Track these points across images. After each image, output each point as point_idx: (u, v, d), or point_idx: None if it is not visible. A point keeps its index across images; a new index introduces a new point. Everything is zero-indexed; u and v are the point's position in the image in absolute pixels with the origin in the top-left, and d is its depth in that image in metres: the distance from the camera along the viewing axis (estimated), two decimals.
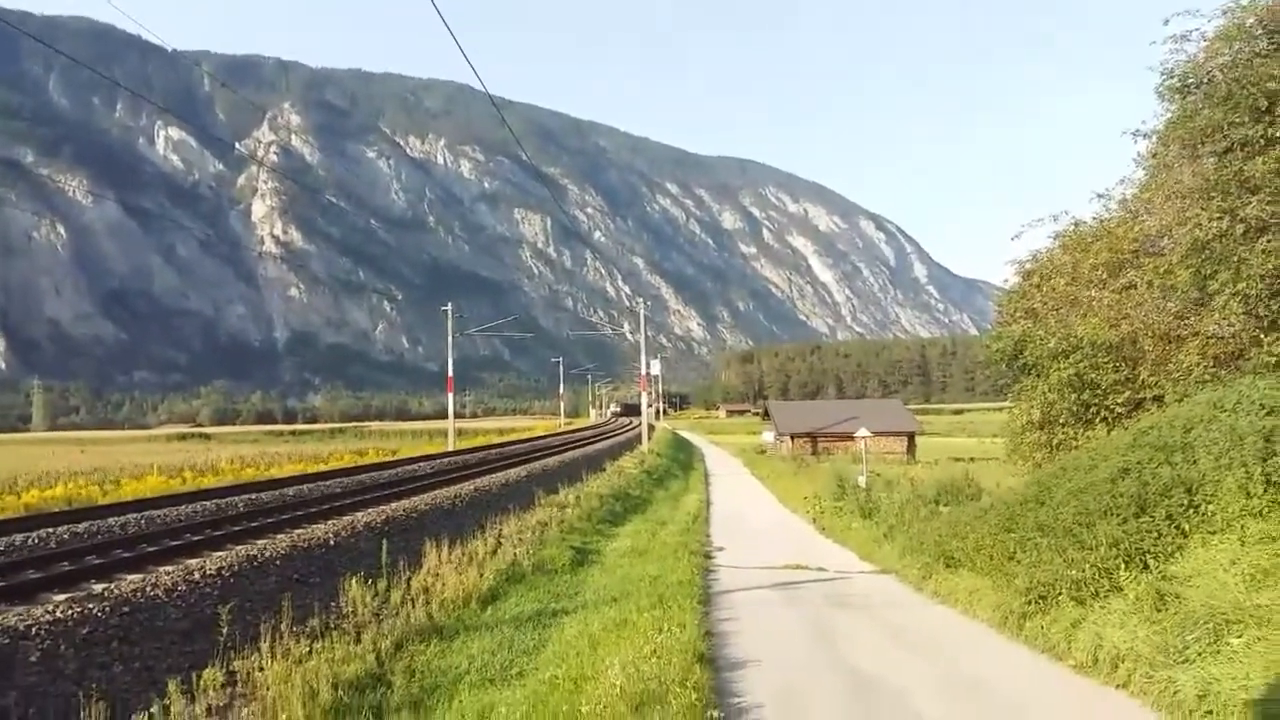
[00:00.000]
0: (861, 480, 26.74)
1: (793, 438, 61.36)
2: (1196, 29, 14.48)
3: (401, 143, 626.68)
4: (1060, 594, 10.20)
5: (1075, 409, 18.26)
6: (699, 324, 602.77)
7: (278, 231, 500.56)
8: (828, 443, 59.57)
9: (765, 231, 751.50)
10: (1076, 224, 20.64)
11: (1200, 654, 7.73)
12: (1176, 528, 9.82)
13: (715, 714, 7.40)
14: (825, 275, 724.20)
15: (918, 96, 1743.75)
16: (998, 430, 31.79)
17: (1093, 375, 17.75)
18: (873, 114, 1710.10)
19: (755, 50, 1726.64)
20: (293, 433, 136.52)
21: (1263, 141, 12.00)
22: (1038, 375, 19.46)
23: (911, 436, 61.44)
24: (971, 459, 42.46)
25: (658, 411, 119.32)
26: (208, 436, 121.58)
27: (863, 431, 30.85)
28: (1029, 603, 10.60)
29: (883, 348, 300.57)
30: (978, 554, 12.74)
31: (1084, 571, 9.95)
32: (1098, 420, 17.92)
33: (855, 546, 18.71)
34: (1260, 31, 13.25)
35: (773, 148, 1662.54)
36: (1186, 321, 15.80)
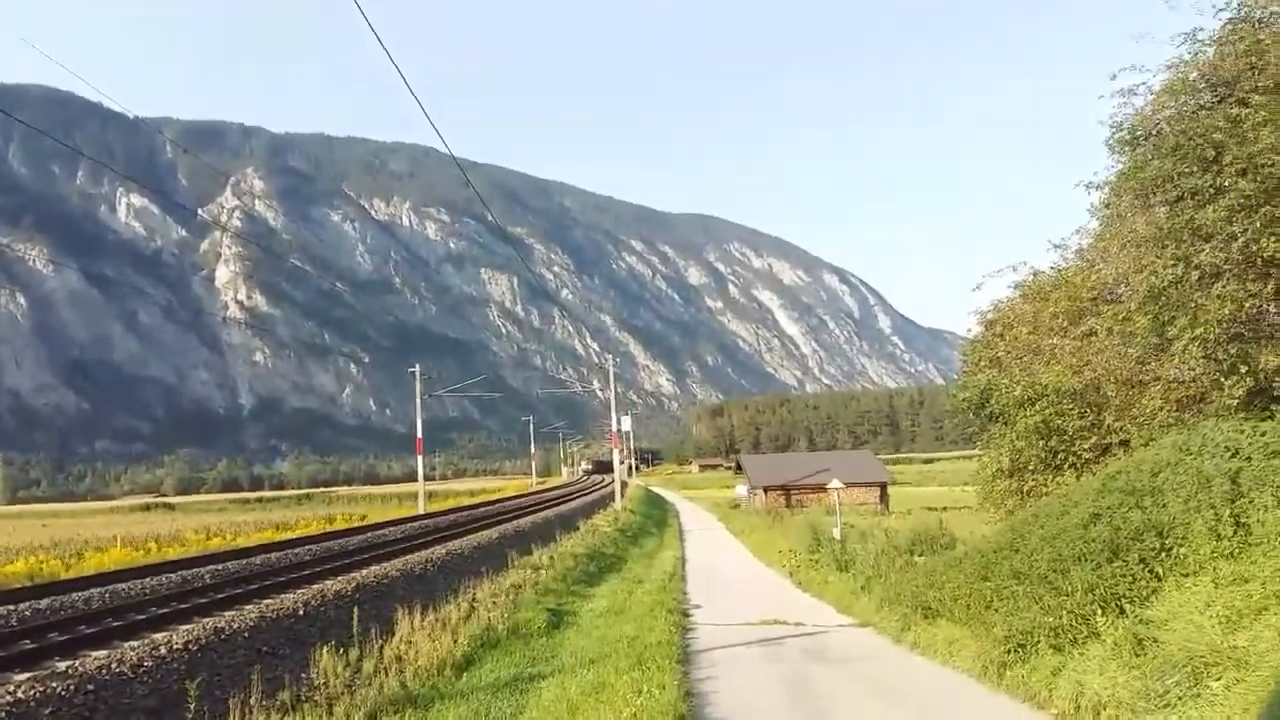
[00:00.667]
0: (836, 532, 26.70)
1: (766, 491, 61.26)
2: (1143, 83, 14.94)
3: (366, 205, 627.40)
4: (1039, 642, 10.20)
5: (1044, 455, 18.44)
6: (668, 379, 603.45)
7: (242, 297, 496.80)
8: (801, 495, 59.52)
9: (731, 286, 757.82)
10: (1035, 274, 21.06)
11: (1181, 698, 7.74)
12: (1150, 571, 9.91)
13: None
14: (791, 328, 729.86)
15: (876, 150, 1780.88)
16: (968, 479, 31.98)
17: (1059, 422, 17.97)
18: (832, 168, 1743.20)
19: (717, 109, 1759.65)
20: (259, 500, 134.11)
21: (1212, 190, 12.35)
22: (1005, 423, 19.67)
23: (884, 487, 61.57)
24: (944, 508, 42.59)
25: (630, 468, 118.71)
26: (172, 506, 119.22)
27: (835, 483, 30.92)
28: (1008, 651, 10.58)
29: (851, 399, 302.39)
30: (955, 603, 12.73)
31: (1061, 618, 9.97)
32: (1066, 466, 18.10)
33: (832, 599, 18.62)
34: (1203, 85, 13.70)
35: (735, 204, 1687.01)
36: (1148, 367, 16.07)
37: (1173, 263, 13.23)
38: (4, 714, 8.61)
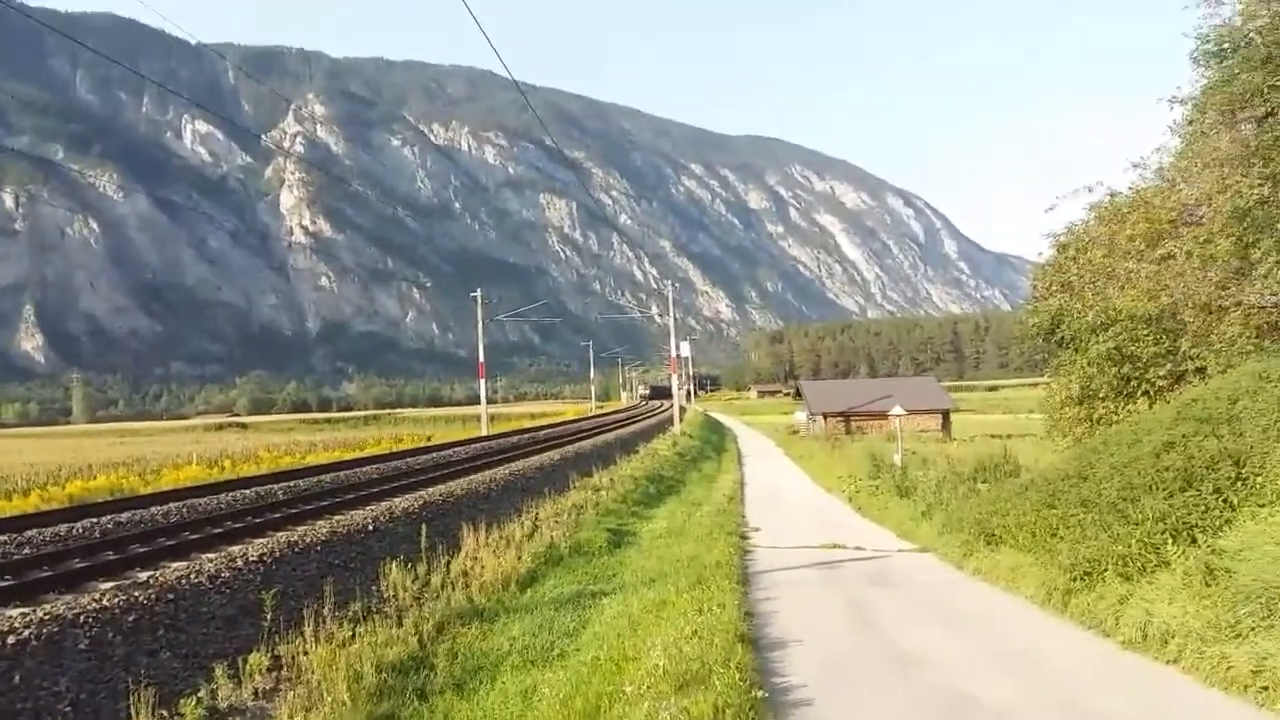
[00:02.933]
0: (897, 459, 26.56)
1: (825, 417, 61.06)
2: None
3: (425, 130, 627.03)
4: (1105, 570, 10.04)
5: (1115, 383, 17.98)
6: (727, 305, 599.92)
7: (306, 222, 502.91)
8: (861, 422, 59.18)
9: (792, 210, 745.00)
10: (1112, 195, 20.21)
11: (1253, 629, 7.60)
12: (1224, 501, 9.67)
13: (760, 694, 7.35)
14: (854, 253, 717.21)
15: (942, 68, 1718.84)
16: (1034, 406, 31.46)
17: (1132, 348, 17.46)
18: (898, 88, 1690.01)
19: (776, 30, 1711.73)
20: (328, 420, 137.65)
21: None
22: (1075, 350, 19.17)
23: (946, 414, 60.88)
24: (1009, 436, 42.04)
25: (688, 393, 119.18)
26: (245, 426, 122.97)
27: (897, 410, 30.58)
28: (1074, 579, 10.45)
29: (914, 325, 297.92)
30: (1019, 531, 12.60)
31: (1130, 547, 9.81)
32: (1139, 394, 17.64)
33: (893, 525, 18.59)
34: None
35: (797, 126, 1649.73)
36: (1228, 291, 15.49)
37: (1260, 182, 12.65)
38: (91, 619, 9.03)
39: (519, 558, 14.03)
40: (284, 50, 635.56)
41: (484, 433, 51.23)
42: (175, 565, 11.68)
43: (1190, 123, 17.21)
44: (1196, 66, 15.68)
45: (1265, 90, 12.52)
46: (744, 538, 17.44)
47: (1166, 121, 17.62)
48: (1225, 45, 14.17)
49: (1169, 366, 17.08)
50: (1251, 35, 13.37)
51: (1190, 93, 16.58)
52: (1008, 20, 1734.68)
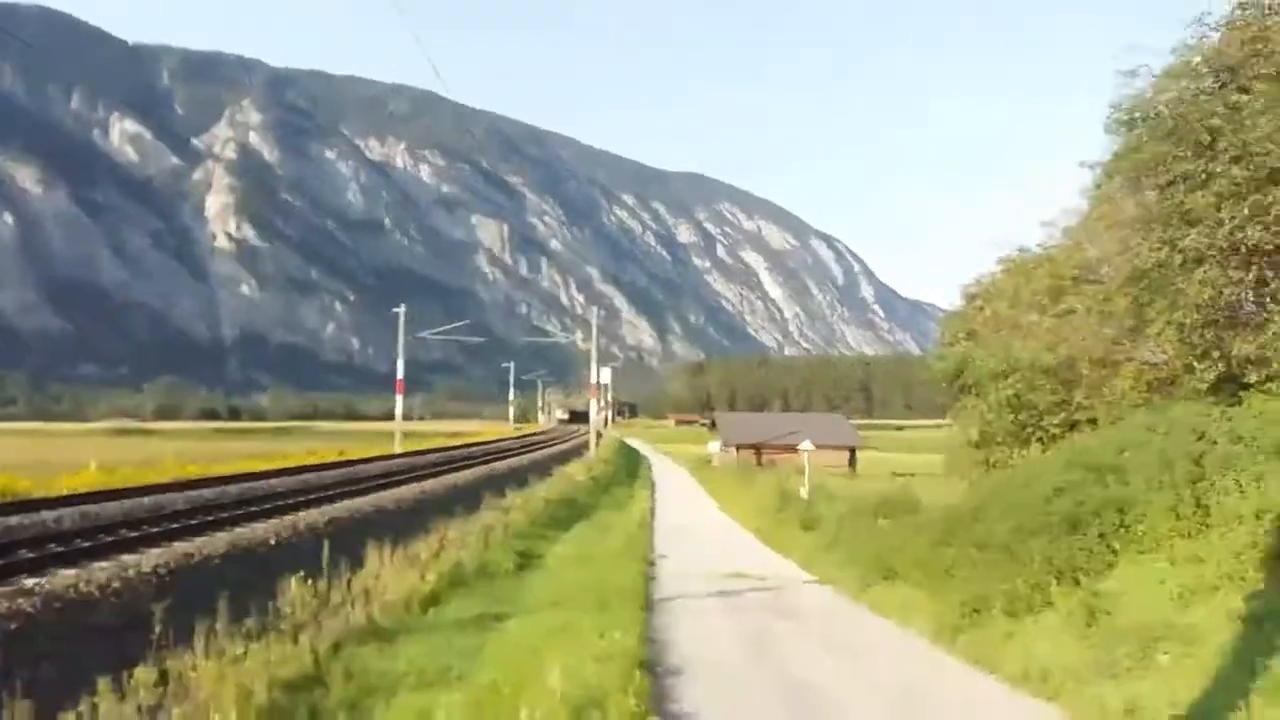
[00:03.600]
0: (804, 492, 27.02)
1: (738, 448, 61.72)
2: (1145, 65, 14.91)
3: (361, 145, 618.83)
4: (994, 608, 10.39)
5: (1012, 428, 18.67)
6: (650, 335, 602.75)
7: (231, 229, 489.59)
8: (772, 454, 59.95)
9: (719, 246, 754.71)
10: (1021, 250, 21.15)
11: (1129, 669, 7.92)
12: (1108, 546, 10.11)
13: None
14: (775, 291, 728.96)
15: (875, 117, 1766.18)
16: (937, 447, 32.30)
17: (1030, 396, 18.17)
18: (828, 132, 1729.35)
19: (716, 67, 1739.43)
20: (238, 430, 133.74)
21: (1204, 176, 12.40)
22: (977, 395, 19.88)
23: (853, 451, 62.20)
24: (911, 474, 42.93)
25: (606, 419, 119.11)
26: (150, 432, 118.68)
27: (806, 444, 31.17)
28: (963, 616, 10.79)
29: (828, 363, 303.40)
30: (915, 567, 12.97)
31: (1016, 586, 10.18)
32: (1034, 440, 18.34)
33: (797, 557, 18.90)
34: (1206, 70, 13.70)
35: (729, 165, 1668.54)
36: (1122, 347, 16.23)
37: (1158, 246, 13.31)
38: None
39: (423, 577, 13.85)
40: (223, 56, 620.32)
41: (398, 449, 50.39)
42: (65, 573, 11.26)
43: (1098, 186, 18.02)
44: (1109, 134, 16.49)
45: (1169, 160, 13.24)
46: (651, 564, 17.54)
47: (1076, 185, 18.48)
48: (1136, 115, 14.91)
49: (1063, 415, 17.79)
50: (1160, 108, 14.14)
51: (1101, 158, 17.43)
52: (945, 83, 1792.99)
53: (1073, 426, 17.48)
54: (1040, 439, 18.13)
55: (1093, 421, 16.66)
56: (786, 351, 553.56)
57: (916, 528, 14.58)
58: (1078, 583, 9.84)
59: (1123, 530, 10.18)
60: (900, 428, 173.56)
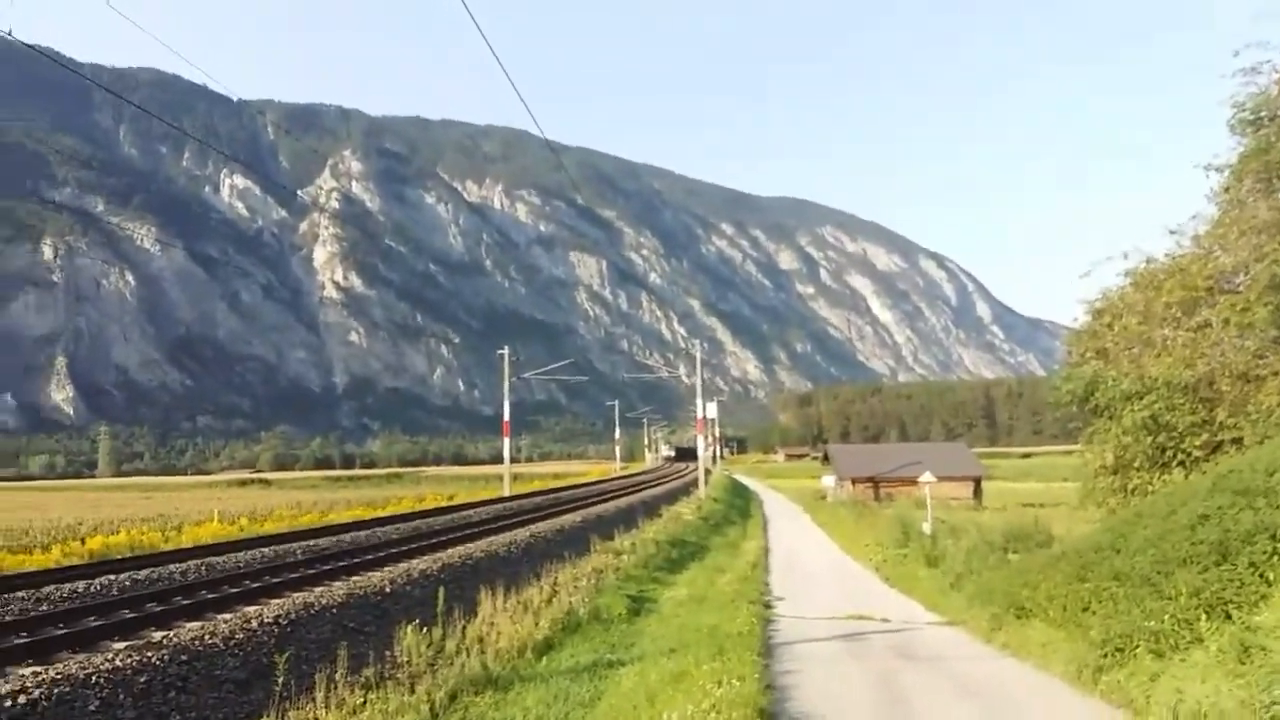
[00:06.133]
0: (926, 527, 26.06)
1: (854, 482, 60.31)
2: (1267, 61, 14.06)
3: (459, 187, 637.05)
4: (1138, 646, 9.77)
5: (1150, 452, 17.54)
6: (756, 366, 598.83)
7: (338, 277, 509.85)
8: (890, 488, 58.39)
9: (823, 271, 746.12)
10: (1148, 261, 19.95)
11: None
12: (1261, 576, 9.36)
13: None
14: (885, 315, 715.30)
15: (978, 132, 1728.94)
16: (1068, 475, 30.85)
17: (1168, 417, 17.06)
18: (931, 151, 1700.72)
19: (808, 88, 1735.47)
20: (350, 478, 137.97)
21: None
22: (1110, 417, 18.75)
23: (978, 481, 59.94)
24: (1041, 505, 41.28)
25: (714, 455, 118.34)
26: (268, 482, 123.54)
27: (927, 476, 30.12)
28: (1104, 655, 10.16)
29: (946, 389, 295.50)
30: (1050, 604, 12.26)
31: (1163, 623, 9.53)
32: (1174, 464, 17.20)
33: (921, 596, 18.14)
34: None
35: (829, 188, 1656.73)
36: (1265, 361, 15.18)
37: None
38: (103, 680, 8.92)
39: (536, 623, 13.79)
40: (323, 107, 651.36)
41: (506, 492, 51.00)
42: (190, 625, 11.59)
43: (1227, 190, 17.07)
44: (1233, 134, 15.59)
45: None
46: (768, 606, 17.08)
47: (1203, 189, 17.47)
48: (1262, 114, 14.10)
49: (1205, 436, 16.66)
50: None
51: (1227, 160, 16.47)
52: (1044, 87, 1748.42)
53: (1217, 448, 16.35)
54: (1182, 462, 16.99)
55: (1238, 441, 15.57)
56: (900, 378, 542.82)
57: (1050, 562, 13.77)
58: (1229, 617, 9.10)
59: (1277, 558, 9.39)
60: (1027, 455, 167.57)
